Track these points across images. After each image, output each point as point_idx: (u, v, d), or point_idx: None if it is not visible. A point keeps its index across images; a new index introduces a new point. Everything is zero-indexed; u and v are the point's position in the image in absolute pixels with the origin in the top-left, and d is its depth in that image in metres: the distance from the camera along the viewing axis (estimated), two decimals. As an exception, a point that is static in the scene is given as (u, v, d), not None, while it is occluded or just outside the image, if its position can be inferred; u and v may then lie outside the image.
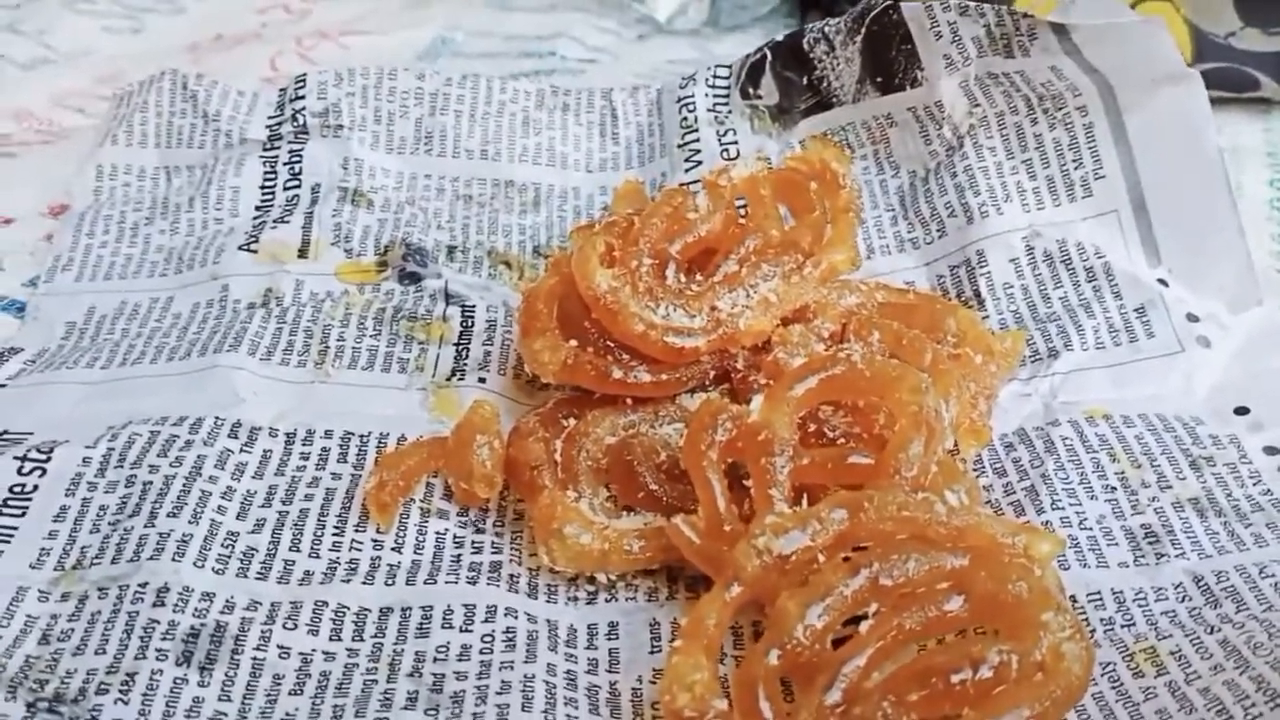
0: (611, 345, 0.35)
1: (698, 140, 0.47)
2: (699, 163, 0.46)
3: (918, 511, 0.29)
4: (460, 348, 0.40)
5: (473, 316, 0.41)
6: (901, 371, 0.32)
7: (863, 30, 0.43)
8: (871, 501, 0.29)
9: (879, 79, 0.44)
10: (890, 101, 0.44)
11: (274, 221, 0.44)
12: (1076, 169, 0.41)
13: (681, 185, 0.45)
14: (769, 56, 0.46)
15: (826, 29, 0.44)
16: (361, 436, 0.36)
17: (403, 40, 0.64)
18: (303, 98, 0.47)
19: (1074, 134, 0.41)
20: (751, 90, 0.46)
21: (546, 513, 0.32)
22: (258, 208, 0.45)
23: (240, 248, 0.43)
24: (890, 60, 0.43)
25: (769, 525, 0.29)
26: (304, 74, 0.48)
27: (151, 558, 0.31)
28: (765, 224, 0.38)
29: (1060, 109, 0.41)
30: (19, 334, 0.42)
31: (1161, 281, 0.40)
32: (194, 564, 0.31)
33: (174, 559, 0.31)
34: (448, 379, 0.38)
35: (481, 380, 0.38)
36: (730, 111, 0.47)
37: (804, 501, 0.30)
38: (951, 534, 0.29)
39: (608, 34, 0.65)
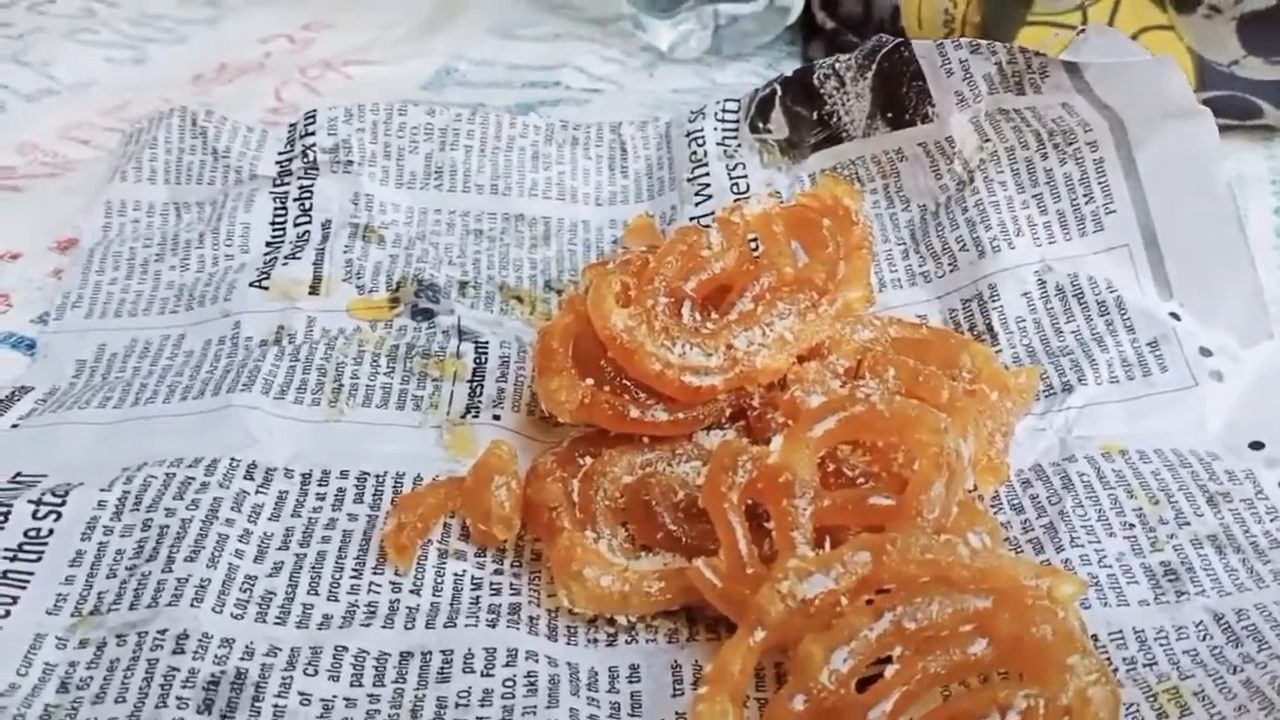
0: (628, 384, 0.35)
1: (707, 174, 0.47)
2: (709, 196, 0.46)
3: (941, 554, 0.29)
4: (474, 384, 0.39)
5: (486, 353, 0.40)
6: (920, 412, 0.32)
7: (874, 66, 0.44)
8: (894, 544, 0.29)
9: (889, 114, 0.44)
10: (901, 136, 0.44)
11: (285, 258, 0.44)
12: (1087, 203, 0.42)
13: (692, 219, 0.45)
14: (779, 91, 0.46)
15: (837, 65, 0.44)
16: (377, 476, 0.36)
17: (407, 70, 0.65)
18: (312, 133, 0.47)
19: (1085, 169, 0.42)
20: (761, 124, 0.47)
21: (566, 554, 0.32)
22: (268, 244, 0.45)
23: (251, 284, 0.43)
24: (901, 96, 0.44)
25: (792, 569, 0.29)
26: (314, 110, 0.48)
27: (170, 603, 0.31)
28: (779, 261, 0.38)
29: (1071, 144, 0.42)
30: (29, 372, 0.41)
31: (1174, 315, 0.40)
32: (213, 609, 0.31)
33: (192, 604, 0.31)
34: (462, 416, 0.38)
35: (496, 417, 0.38)
36: (740, 145, 0.47)
37: (826, 543, 0.30)
38: (975, 576, 0.29)
39: (611, 63, 0.65)
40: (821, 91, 0.45)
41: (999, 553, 0.30)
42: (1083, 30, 0.39)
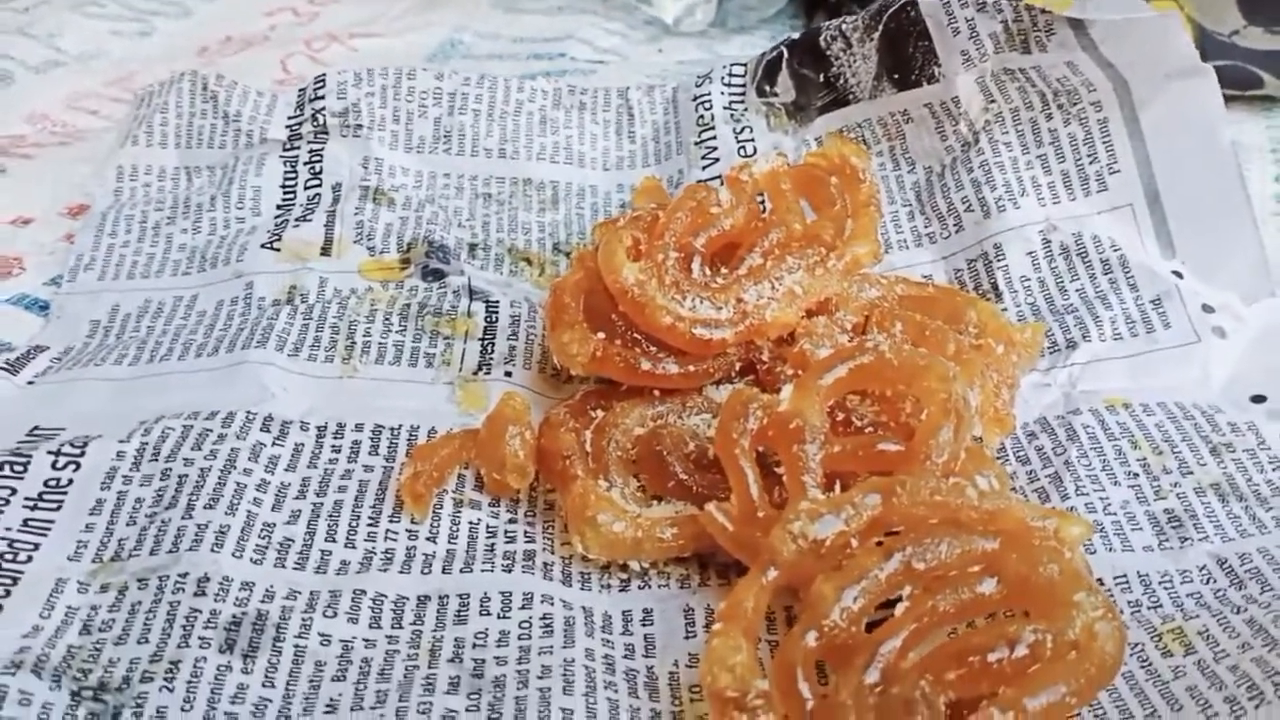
0: (638, 337, 0.36)
1: (714, 138, 0.47)
2: (716, 160, 0.46)
3: (949, 496, 0.29)
4: (485, 342, 0.40)
5: (497, 312, 0.41)
6: (929, 360, 0.32)
7: (880, 27, 0.44)
8: (904, 487, 0.29)
9: (896, 75, 0.44)
10: (907, 98, 0.44)
11: (296, 220, 0.44)
12: (1091, 163, 0.42)
13: (701, 182, 0.46)
14: (785, 54, 0.46)
15: (844, 26, 0.45)
16: (392, 429, 0.36)
17: (412, 42, 0.65)
18: (322, 98, 0.48)
19: (1089, 129, 0.42)
20: (768, 88, 0.47)
21: (580, 501, 0.32)
22: (279, 207, 0.45)
23: (263, 246, 0.43)
24: (907, 57, 0.44)
25: (804, 511, 0.29)
26: (323, 74, 0.48)
27: (190, 548, 0.31)
28: (787, 218, 0.39)
29: (1075, 104, 0.42)
30: (44, 332, 0.42)
31: (1176, 274, 0.41)
32: (232, 554, 0.31)
33: (213, 549, 0.31)
34: (474, 373, 0.39)
35: (508, 374, 0.39)
36: (746, 109, 0.47)
37: (836, 488, 0.30)
38: (983, 518, 0.29)
39: (615, 35, 0.65)
40: (828, 54, 0.45)
41: (1006, 495, 0.30)
42: (1089, -12, 0.39)
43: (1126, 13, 0.40)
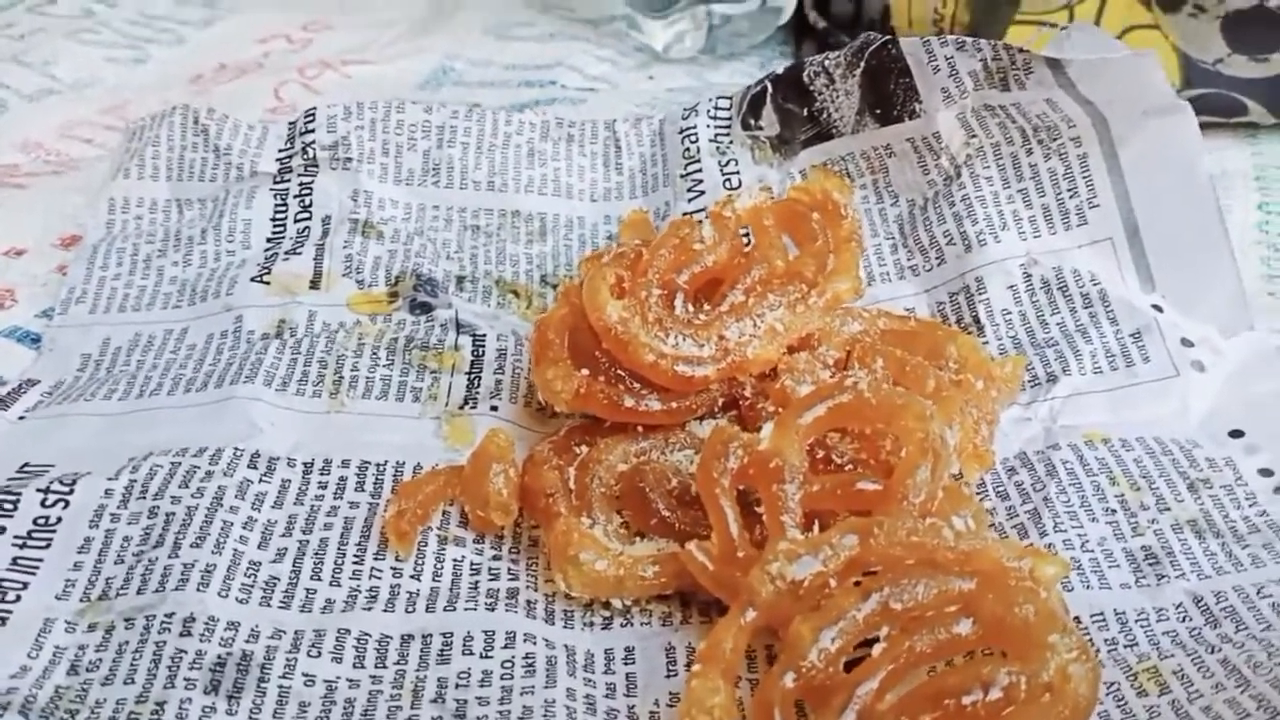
0: (622, 374, 0.36)
1: (700, 170, 0.47)
2: (701, 192, 0.47)
3: (926, 537, 0.30)
4: (472, 376, 0.40)
5: (483, 345, 0.41)
6: (907, 399, 0.33)
7: (861, 64, 0.45)
8: (881, 528, 0.30)
9: (878, 110, 0.45)
10: (889, 133, 0.45)
11: (285, 253, 0.45)
12: (1071, 198, 0.42)
13: (685, 215, 0.46)
14: (770, 88, 0.47)
15: (826, 62, 0.45)
16: (378, 465, 0.37)
17: (404, 69, 0.66)
18: (312, 131, 0.48)
19: (1069, 164, 0.43)
20: (753, 121, 0.47)
21: (563, 539, 0.33)
22: (269, 240, 0.46)
23: (253, 279, 0.44)
24: (889, 93, 0.44)
25: (782, 552, 0.29)
26: (313, 108, 0.49)
27: (177, 588, 0.32)
28: (770, 254, 0.39)
29: (1055, 140, 0.43)
30: (35, 366, 0.42)
31: (1156, 307, 0.41)
32: (218, 593, 0.32)
33: (199, 589, 0.32)
34: (460, 407, 0.39)
35: (494, 408, 0.39)
36: (732, 142, 0.48)
37: (815, 527, 0.31)
38: (959, 558, 0.30)
39: (605, 63, 0.66)
40: (811, 89, 0.46)
41: (983, 535, 0.31)
42: (1065, 27, 0.40)
43: (1102, 52, 0.40)
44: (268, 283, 0.43)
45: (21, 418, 0.39)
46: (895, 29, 0.59)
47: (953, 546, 0.30)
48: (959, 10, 0.57)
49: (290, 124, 0.49)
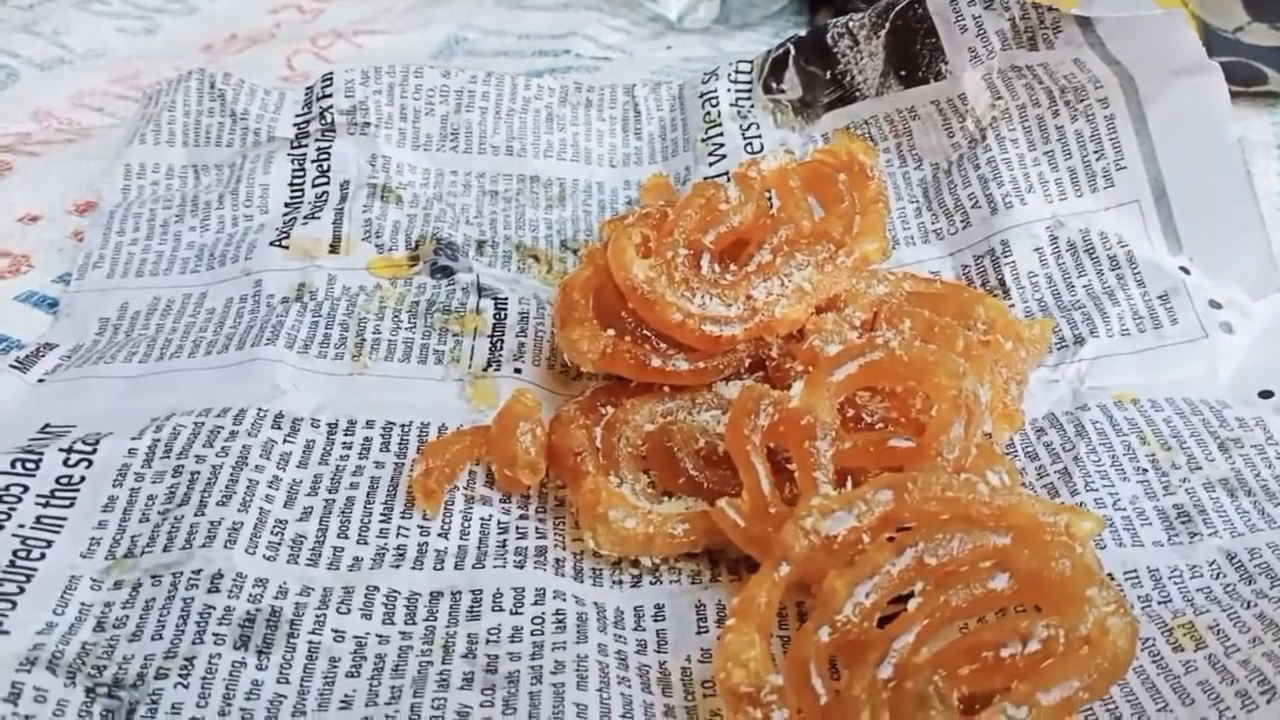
0: (648, 334, 0.36)
1: (721, 135, 0.47)
2: (723, 157, 0.47)
3: (961, 492, 0.29)
4: (494, 339, 0.40)
5: (505, 308, 0.41)
6: (939, 356, 0.33)
7: (887, 25, 0.44)
8: (915, 483, 0.30)
9: (902, 72, 0.45)
10: (913, 95, 0.45)
11: (304, 218, 0.44)
12: (1098, 159, 0.42)
13: (707, 179, 0.46)
14: (792, 51, 0.47)
15: (850, 23, 0.45)
16: (402, 426, 0.36)
17: (416, 40, 0.65)
18: (329, 96, 0.48)
19: (1095, 125, 0.42)
20: (774, 84, 0.47)
21: (591, 498, 0.33)
22: (287, 204, 0.45)
23: (272, 243, 0.43)
24: (914, 54, 0.44)
25: (816, 507, 0.29)
26: (330, 72, 0.48)
27: (203, 545, 0.31)
28: (796, 215, 0.39)
29: (1082, 101, 0.42)
30: (53, 330, 0.42)
31: (1183, 269, 0.41)
32: (245, 550, 0.31)
33: (226, 546, 0.31)
34: (484, 370, 0.39)
35: (517, 370, 0.39)
36: (753, 106, 0.47)
37: (848, 485, 0.30)
38: (994, 513, 0.29)
39: (620, 32, 0.65)
40: (835, 51, 0.46)
41: (1017, 491, 0.30)
42: (1096, -15, 0.39)
43: (1132, 10, 0.40)
44: (286, 247, 0.43)
45: (41, 380, 0.39)
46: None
47: (988, 501, 0.29)
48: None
49: (308, 89, 0.48)
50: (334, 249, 0.43)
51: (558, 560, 0.33)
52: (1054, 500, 0.34)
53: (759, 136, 0.47)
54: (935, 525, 0.29)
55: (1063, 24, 0.41)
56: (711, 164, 0.47)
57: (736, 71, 0.48)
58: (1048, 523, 0.29)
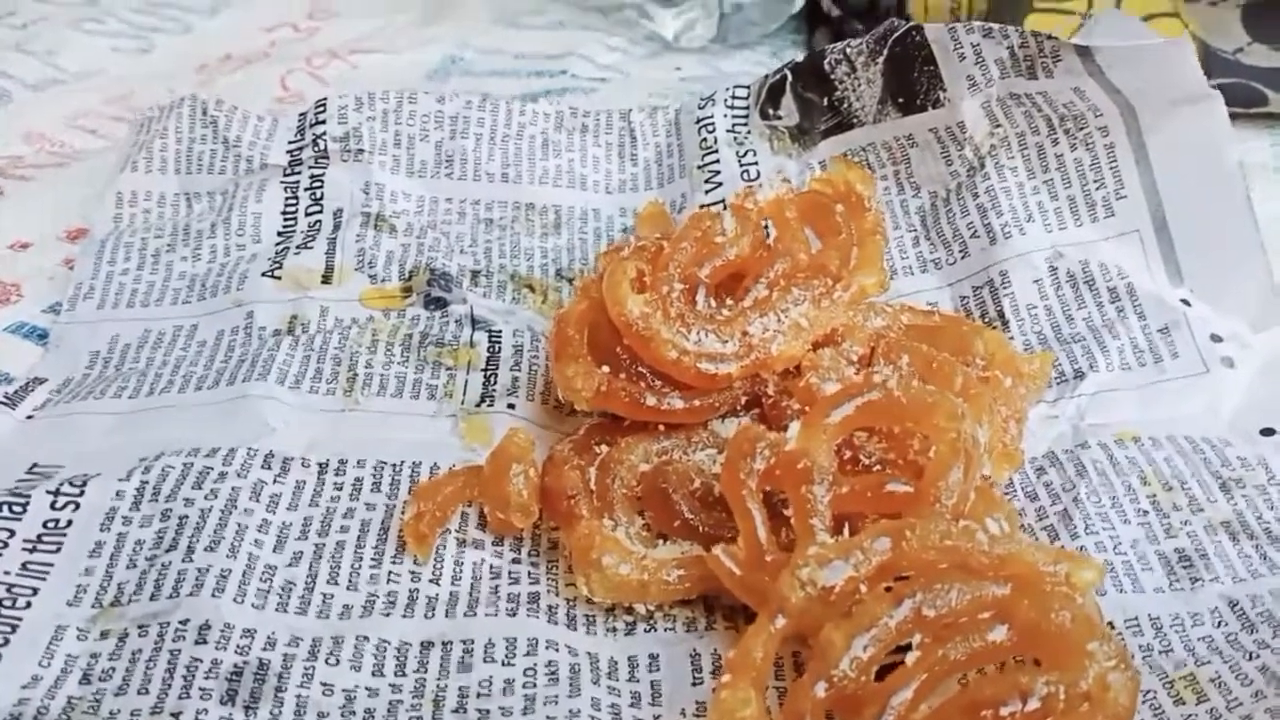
0: (643, 371, 0.36)
1: (717, 161, 0.47)
2: (719, 184, 0.46)
3: (960, 540, 0.29)
4: (488, 373, 0.40)
5: (499, 341, 0.41)
6: (938, 398, 0.32)
7: (885, 51, 0.44)
8: (913, 531, 0.29)
9: (900, 100, 0.44)
10: (911, 122, 0.44)
11: (297, 248, 0.44)
12: (1098, 189, 0.42)
13: (702, 207, 0.45)
14: (789, 77, 0.46)
15: (848, 50, 0.44)
16: (394, 466, 0.36)
17: (412, 59, 0.65)
18: (323, 122, 0.47)
19: (1095, 154, 0.42)
20: (771, 110, 0.47)
21: (585, 543, 0.32)
22: (280, 233, 0.45)
23: (264, 274, 0.43)
24: (912, 81, 0.44)
25: (812, 556, 0.29)
26: (324, 98, 0.48)
27: (191, 594, 0.31)
28: (793, 247, 0.39)
29: (1082, 129, 0.42)
30: (43, 363, 0.41)
31: (1184, 301, 0.40)
32: (234, 599, 0.31)
33: (214, 595, 0.31)
34: (477, 405, 0.38)
35: (511, 406, 0.38)
36: (750, 132, 0.47)
37: (845, 530, 0.30)
38: (993, 563, 0.29)
39: (616, 52, 0.65)
40: (832, 77, 0.45)
41: (1017, 538, 0.30)
42: (1092, 14, 0.39)
43: (1134, 40, 0.39)
44: (279, 277, 0.43)
45: (29, 416, 0.38)
46: (912, 16, 0.58)
47: (987, 550, 0.29)
48: (977, -2, 0.56)
49: (301, 115, 0.48)
50: (326, 279, 0.43)
51: (550, 607, 0.32)
52: (1054, 544, 0.34)
53: (755, 163, 0.46)
54: (934, 575, 0.29)
55: (1062, 53, 0.40)
56: (708, 190, 0.46)
57: (733, 97, 0.48)
58: (1048, 572, 0.29)
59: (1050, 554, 0.29)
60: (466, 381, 0.39)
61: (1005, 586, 0.28)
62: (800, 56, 0.63)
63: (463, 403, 0.39)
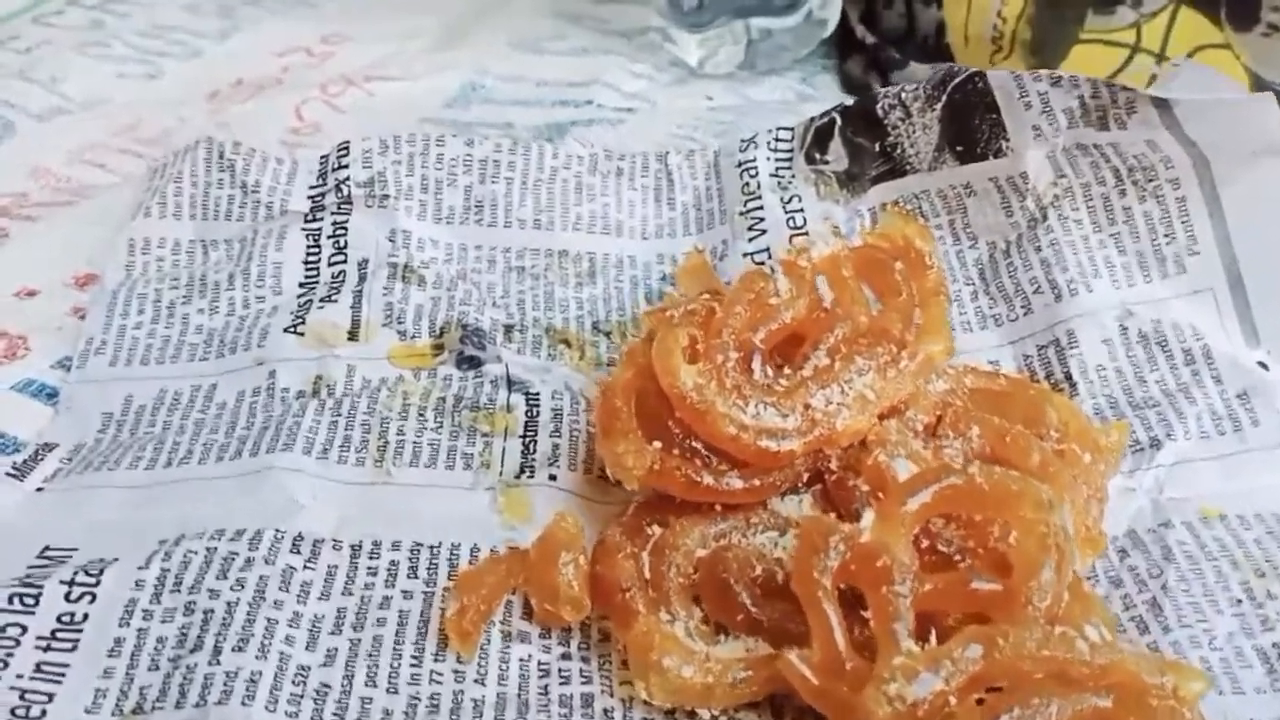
0: (697, 446, 0.33)
1: (760, 207, 0.44)
2: (763, 231, 0.44)
3: (1058, 649, 0.27)
4: (527, 440, 0.37)
5: (538, 404, 0.38)
6: (1022, 486, 0.30)
7: (944, 98, 0.41)
8: (1006, 639, 0.27)
9: (959, 147, 0.42)
10: (970, 171, 0.42)
11: (320, 300, 0.41)
12: (1169, 244, 0.39)
13: (745, 255, 0.43)
14: (838, 121, 0.44)
15: (903, 95, 0.42)
16: (431, 548, 0.33)
17: (430, 86, 0.62)
18: (346, 166, 0.45)
19: (1165, 207, 0.40)
20: (818, 155, 0.44)
21: (643, 642, 0.30)
22: (302, 284, 0.43)
23: (286, 330, 0.40)
24: (972, 129, 0.41)
25: (898, 668, 0.26)
26: (346, 141, 0.45)
27: (219, 702, 0.29)
28: (852, 309, 0.36)
29: (1151, 181, 0.39)
30: (52, 425, 0.39)
31: (1262, 364, 0.38)
32: (265, 707, 0.29)
33: (244, 703, 0.28)
34: (516, 476, 0.36)
35: (552, 477, 0.36)
36: (794, 177, 0.45)
37: (933, 636, 0.28)
38: (1094, 673, 0.27)
39: (641, 79, 0.62)
40: (885, 122, 0.43)
41: (1119, 646, 0.28)
42: (1176, 64, 0.37)
43: (1215, 92, 0.37)
44: (302, 334, 0.40)
45: (40, 489, 0.36)
46: (950, 45, 0.56)
47: (1087, 660, 0.27)
48: (1020, 27, 0.54)
49: (322, 159, 0.45)
50: (353, 336, 0.40)
51: (606, 710, 0.30)
52: (1145, 638, 0.31)
53: (801, 210, 0.44)
54: (1029, 686, 0.26)
55: (1138, 104, 0.38)
56: (751, 239, 0.44)
57: (776, 140, 0.45)
58: (1153, 684, 0.27)
59: (1154, 663, 0.27)
60: (504, 449, 0.37)
61: (1108, 699, 0.26)
62: (831, 84, 0.61)
63: (501, 474, 0.36)
